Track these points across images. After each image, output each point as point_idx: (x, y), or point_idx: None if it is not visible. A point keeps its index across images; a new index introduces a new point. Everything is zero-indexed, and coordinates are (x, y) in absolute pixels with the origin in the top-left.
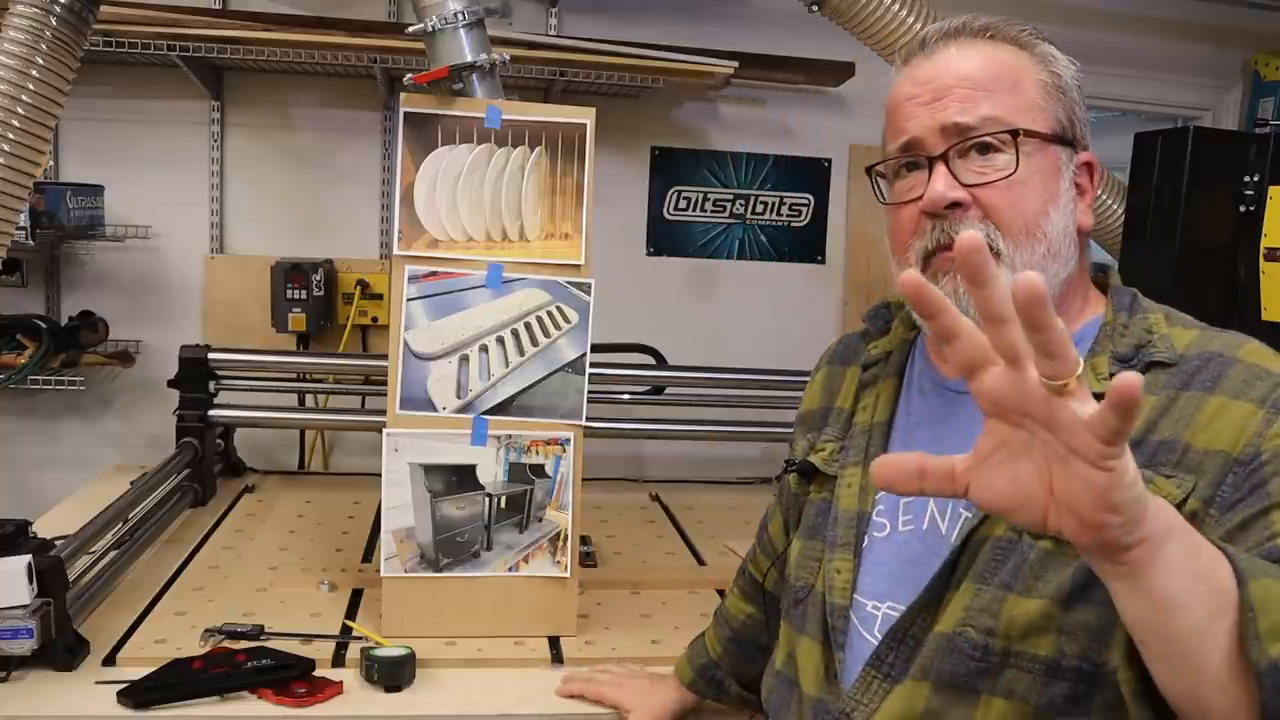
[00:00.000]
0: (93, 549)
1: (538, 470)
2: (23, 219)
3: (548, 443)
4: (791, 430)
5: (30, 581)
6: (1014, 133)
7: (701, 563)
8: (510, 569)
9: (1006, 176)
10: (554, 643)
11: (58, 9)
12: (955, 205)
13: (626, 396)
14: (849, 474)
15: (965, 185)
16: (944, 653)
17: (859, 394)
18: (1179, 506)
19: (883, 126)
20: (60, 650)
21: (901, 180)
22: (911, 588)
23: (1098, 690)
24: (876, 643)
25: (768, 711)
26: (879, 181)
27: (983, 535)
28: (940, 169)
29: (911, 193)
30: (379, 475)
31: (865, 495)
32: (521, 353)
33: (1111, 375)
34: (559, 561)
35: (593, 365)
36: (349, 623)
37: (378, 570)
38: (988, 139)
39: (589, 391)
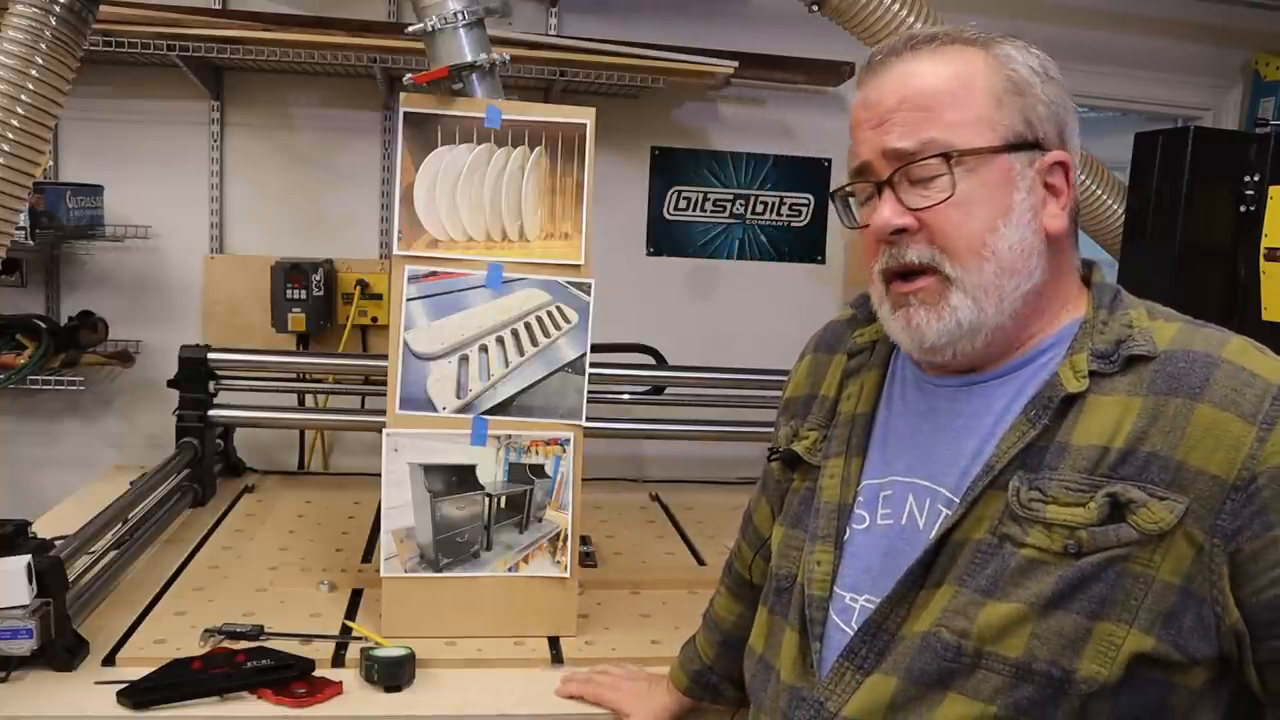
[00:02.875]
0: (93, 549)
1: (538, 470)
2: (22, 219)
3: (547, 443)
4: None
5: (30, 581)
6: (947, 156)
7: (701, 563)
8: (510, 569)
9: (946, 199)
10: (554, 643)
11: (58, 9)
12: (903, 230)
13: (626, 396)
14: (831, 465)
15: (912, 209)
16: (917, 650)
17: (843, 382)
18: (1171, 531)
19: None
20: (60, 650)
21: (864, 204)
22: (888, 582)
23: (1063, 698)
24: (852, 635)
25: (749, 693)
26: (849, 204)
27: (962, 537)
28: (888, 194)
29: (866, 217)
30: (379, 475)
31: (847, 487)
32: (521, 353)
33: (1091, 373)
34: (559, 561)
35: (593, 365)
36: (349, 623)
37: (378, 570)
38: (926, 163)
39: (589, 391)
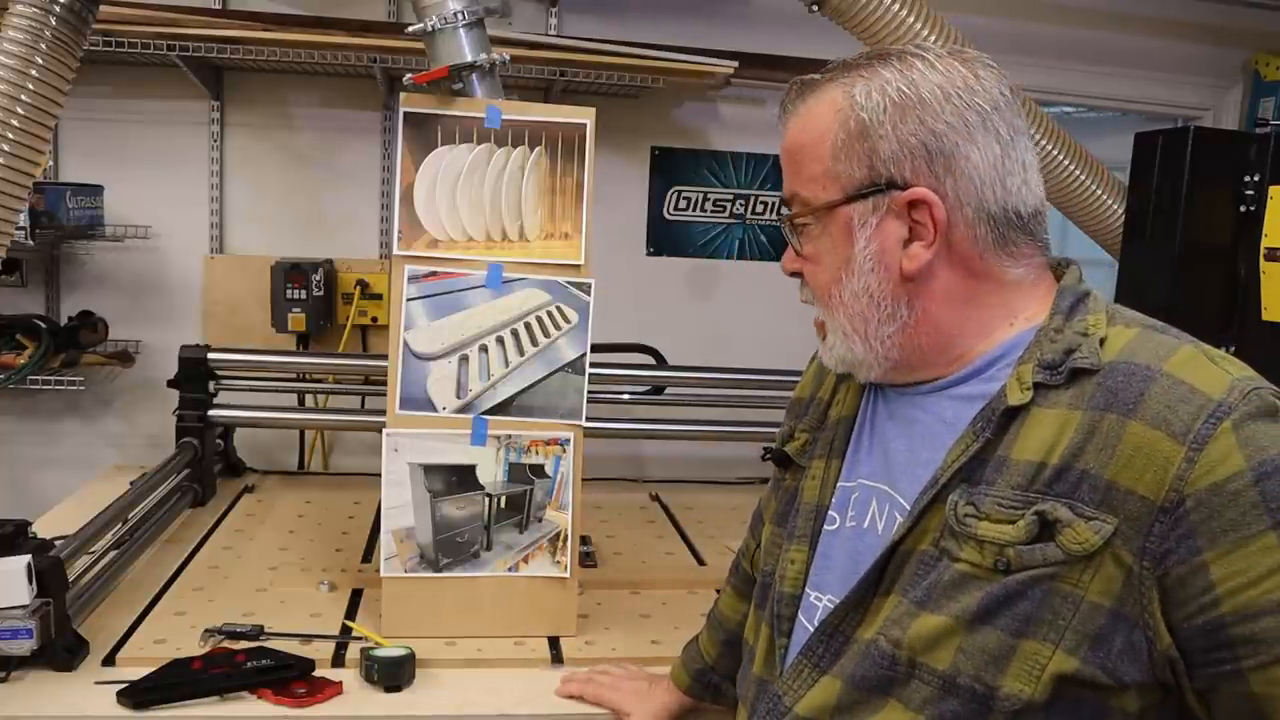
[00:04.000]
0: (93, 549)
1: (538, 470)
2: (23, 219)
3: (547, 443)
4: None
5: (30, 581)
6: (803, 211)
7: (701, 563)
8: (510, 569)
9: (804, 252)
10: (554, 643)
11: (58, 9)
12: (796, 274)
13: (626, 396)
14: (814, 466)
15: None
16: (860, 656)
17: (837, 386)
18: (1099, 552)
19: None
20: (60, 650)
21: None
22: (849, 584)
23: (989, 714)
24: (811, 633)
25: (736, 684)
26: None
27: (909, 547)
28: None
29: None
30: (379, 475)
31: (825, 488)
32: (521, 353)
33: (1037, 384)
34: (559, 561)
35: (593, 365)
36: (349, 623)
37: (378, 570)
38: (795, 216)
39: (589, 391)
